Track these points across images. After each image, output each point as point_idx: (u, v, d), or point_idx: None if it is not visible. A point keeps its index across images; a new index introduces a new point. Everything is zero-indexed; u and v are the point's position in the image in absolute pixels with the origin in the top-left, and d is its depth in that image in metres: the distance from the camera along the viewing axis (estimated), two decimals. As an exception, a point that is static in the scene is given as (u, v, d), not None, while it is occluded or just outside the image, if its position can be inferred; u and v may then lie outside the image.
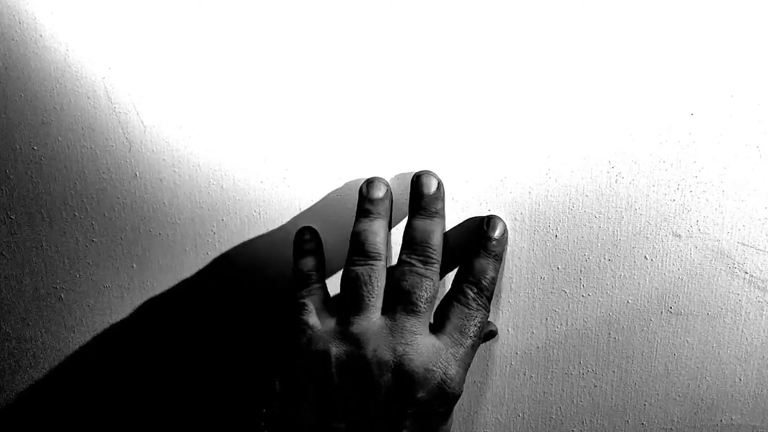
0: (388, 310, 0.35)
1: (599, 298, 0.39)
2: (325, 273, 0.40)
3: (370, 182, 0.38)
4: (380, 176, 0.39)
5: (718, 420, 0.40)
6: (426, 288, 0.35)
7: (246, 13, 0.38)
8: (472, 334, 0.35)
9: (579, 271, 0.39)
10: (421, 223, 0.37)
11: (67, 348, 0.43)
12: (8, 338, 0.43)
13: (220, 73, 0.38)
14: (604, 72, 0.36)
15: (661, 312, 0.39)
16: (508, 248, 0.39)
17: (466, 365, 0.35)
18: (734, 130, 0.36)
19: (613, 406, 0.40)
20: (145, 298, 0.42)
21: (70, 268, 0.42)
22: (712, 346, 0.39)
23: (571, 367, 0.40)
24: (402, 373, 0.34)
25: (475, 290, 0.36)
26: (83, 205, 0.41)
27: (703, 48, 0.35)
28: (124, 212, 0.41)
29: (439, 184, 0.37)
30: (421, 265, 0.36)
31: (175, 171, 0.40)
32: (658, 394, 0.40)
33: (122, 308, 0.42)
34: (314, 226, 0.40)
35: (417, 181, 0.37)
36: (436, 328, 0.36)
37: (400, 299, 0.35)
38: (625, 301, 0.39)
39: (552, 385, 0.40)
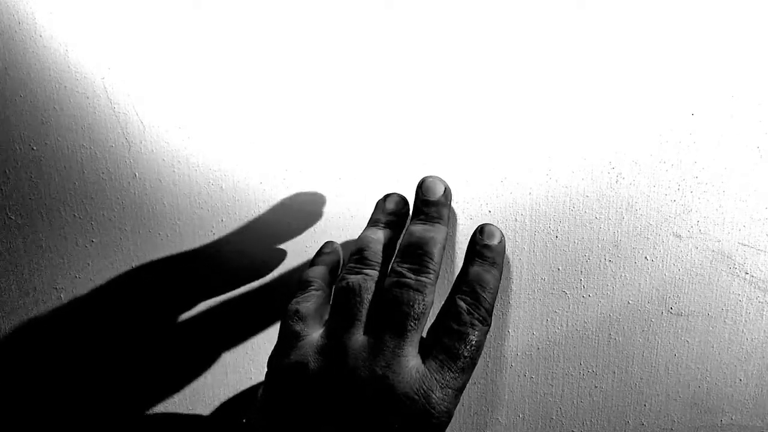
0: (371, 327, 0.32)
1: (599, 299, 0.39)
2: (331, 283, 0.37)
3: (388, 195, 0.36)
4: (400, 192, 0.37)
5: (718, 420, 0.40)
6: (414, 303, 0.32)
7: (245, 14, 0.37)
8: (465, 355, 0.32)
9: (579, 272, 0.39)
10: (419, 229, 0.34)
11: (68, 348, 0.43)
12: (8, 338, 0.43)
13: (220, 73, 0.38)
14: (605, 72, 0.36)
15: (662, 312, 0.39)
16: (509, 249, 0.39)
17: (455, 391, 0.31)
18: (735, 131, 0.36)
19: (613, 407, 0.40)
20: (145, 298, 0.42)
21: (70, 268, 0.42)
22: (713, 347, 0.39)
23: (571, 368, 0.40)
24: (379, 398, 0.30)
25: (470, 301, 0.33)
26: (83, 205, 0.41)
27: (704, 48, 0.35)
28: (123, 212, 0.41)
29: (446, 190, 0.35)
30: (412, 275, 0.32)
31: (174, 171, 0.40)
32: (658, 395, 0.40)
33: (122, 308, 0.42)
34: (314, 227, 0.40)
35: (422, 184, 0.35)
36: (425, 349, 0.32)
37: (383, 315, 0.32)
38: (626, 302, 0.39)
39: (552, 385, 0.40)
